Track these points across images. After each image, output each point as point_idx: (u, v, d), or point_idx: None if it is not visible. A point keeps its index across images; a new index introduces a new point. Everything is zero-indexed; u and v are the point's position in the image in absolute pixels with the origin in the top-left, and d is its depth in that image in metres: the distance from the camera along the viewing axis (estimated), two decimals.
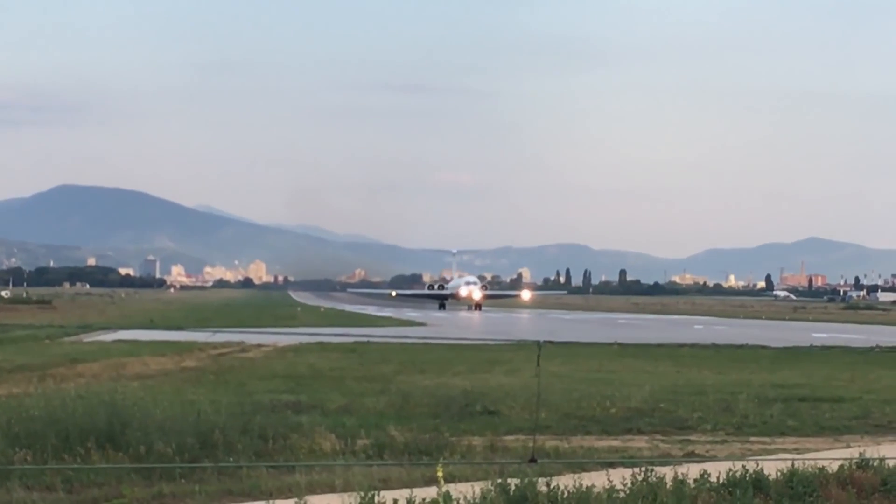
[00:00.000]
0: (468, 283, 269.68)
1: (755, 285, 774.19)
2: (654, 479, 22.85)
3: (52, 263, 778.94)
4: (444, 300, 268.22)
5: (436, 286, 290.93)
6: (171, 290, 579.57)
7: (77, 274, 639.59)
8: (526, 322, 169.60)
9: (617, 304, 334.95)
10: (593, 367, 61.67)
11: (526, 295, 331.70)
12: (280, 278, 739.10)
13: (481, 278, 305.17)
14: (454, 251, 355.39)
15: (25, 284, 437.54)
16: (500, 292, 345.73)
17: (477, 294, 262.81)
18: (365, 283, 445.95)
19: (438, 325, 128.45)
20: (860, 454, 26.02)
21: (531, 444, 30.21)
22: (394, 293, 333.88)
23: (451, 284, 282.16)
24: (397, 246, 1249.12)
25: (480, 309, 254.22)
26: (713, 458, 29.07)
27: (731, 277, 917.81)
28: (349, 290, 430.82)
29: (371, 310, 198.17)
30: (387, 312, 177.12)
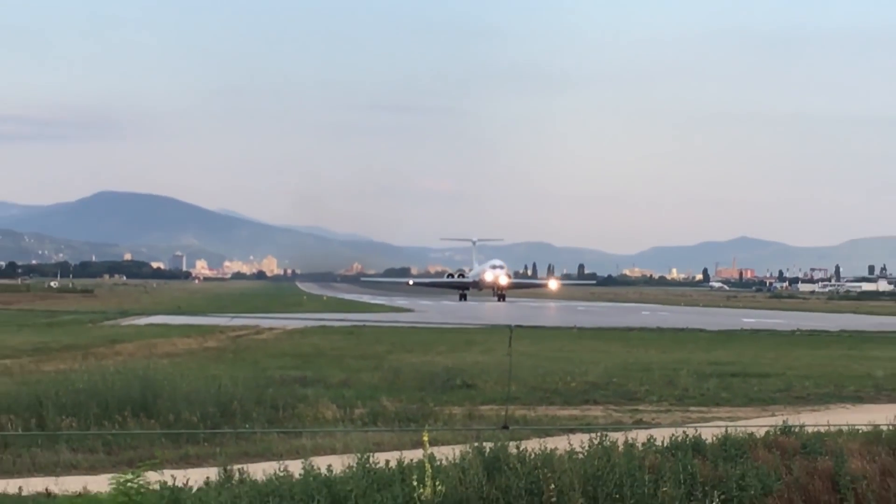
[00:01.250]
0: (494, 267, 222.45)
1: (694, 277, 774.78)
2: (608, 443, 22.84)
3: (93, 258, 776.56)
4: (465, 289, 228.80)
5: (455, 275, 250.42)
6: (196, 281, 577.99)
7: (115, 267, 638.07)
8: (502, 308, 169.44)
9: (581, 293, 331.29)
10: (556, 347, 61.78)
11: (553, 284, 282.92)
12: (289, 271, 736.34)
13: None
14: (475, 239, 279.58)
15: (71, 276, 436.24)
16: (525, 281, 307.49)
17: (503, 279, 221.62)
18: (361, 275, 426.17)
19: (424, 312, 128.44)
20: (784, 422, 26.04)
21: (503, 413, 30.27)
22: (411, 282, 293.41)
23: (472, 273, 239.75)
24: (388, 243, 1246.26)
25: (504, 299, 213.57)
26: (658, 425, 29.13)
27: (674, 271, 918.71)
28: (362, 279, 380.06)
29: (366, 298, 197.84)
30: (379, 300, 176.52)
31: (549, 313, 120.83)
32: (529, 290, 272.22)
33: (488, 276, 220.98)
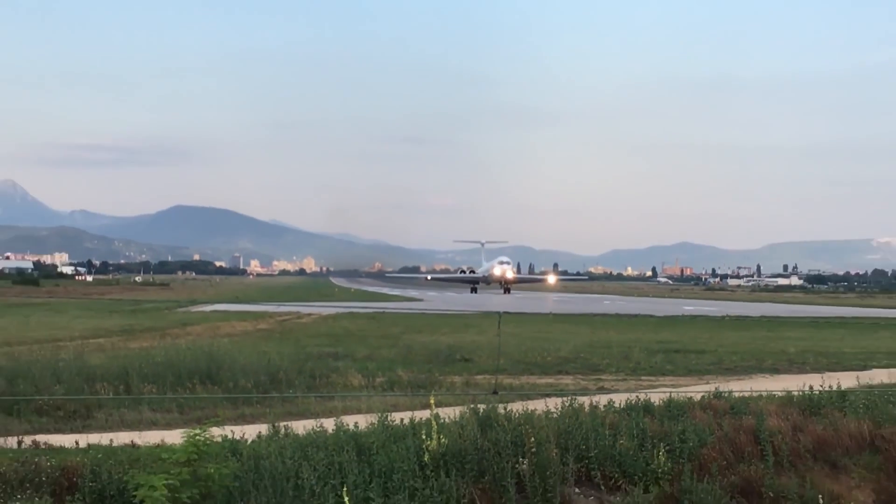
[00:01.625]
0: (502, 263, 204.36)
1: (645, 274, 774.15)
2: (577, 405, 22.90)
3: (169, 258, 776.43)
4: (475, 283, 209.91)
5: (467, 271, 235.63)
6: (250, 277, 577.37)
7: (186, 265, 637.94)
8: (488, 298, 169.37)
9: (575, 286, 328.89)
10: (536, 329, 61.76)
11: (552, 279, 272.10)
12: (323, 269, 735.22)
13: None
14: (483, 242, 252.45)
15: (151, 273, 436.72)
16: (528, 276, 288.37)
17: (510, 273, 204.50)
18: (382, 272, 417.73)
19: (431, 301, 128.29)
20: (715, 389, 26.17)
21: (493, 381, 30.28)
22: (429, 277, 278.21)
23: (482, 269, 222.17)
24: (402, 246, 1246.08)
25: (510, 292, 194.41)
26: (616, 391, 29.08)
27: (629, 269, 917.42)
28: (387, 274, 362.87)
29: (385, 290, 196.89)
30: (395, 292, 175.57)
31: (535, 303, 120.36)
32: (532, 284, 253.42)
33: (497, 271, 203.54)
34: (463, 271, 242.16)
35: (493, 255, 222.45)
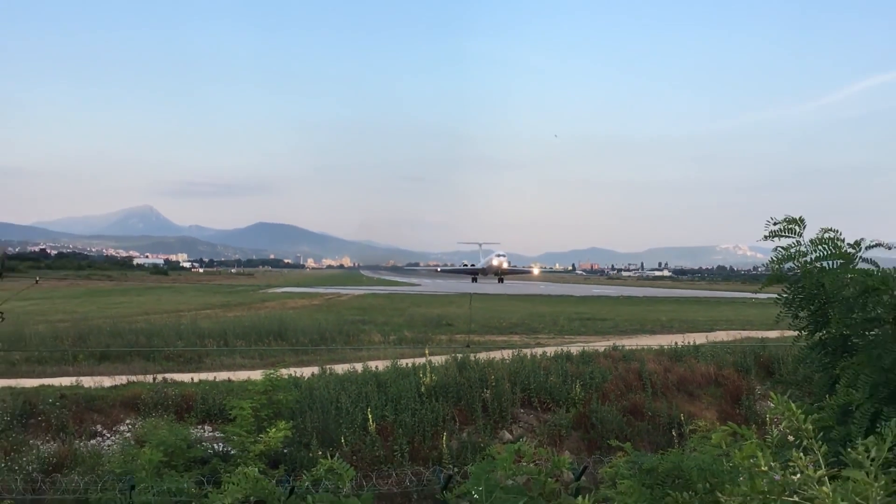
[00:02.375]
0: (498, 256, 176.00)
1: (567, 269, 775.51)
2: (522, 354, 22.94)
3: (253, 257, 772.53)
4: (476, 274, 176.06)
5: (469, 265, 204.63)
6: (307, 270, 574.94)
7: (265, 262, 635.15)
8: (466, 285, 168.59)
9: (553, 277, 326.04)
10: (496, 305, 61.73)
11: (536, 270, 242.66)
12: (356, 264, 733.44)
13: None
14: (481, 243, 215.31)
15: (242, 267, 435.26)
16: (518, 268, 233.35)
17: (505, 264, 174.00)
18: (395, 267, 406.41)
19: (427, 286, 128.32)
20: (613, 344, 26.19)
21: (467, 339, 30.25)
22: (439, 269, 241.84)
23: (482, 262, 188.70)
24: (409, 249, 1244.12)
25: (503, 281, 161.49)
26: (548, 346, 29.17)
27: (557, 265, 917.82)
28: (405, 267, 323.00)
29: (396, 278, 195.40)
30: (401, 280, 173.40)
31: (502, 287, 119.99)
32: (520, 274, 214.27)
33: (495, 262, 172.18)
34: (466, 265, 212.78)
35: (487, 253, 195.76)
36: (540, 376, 20.96)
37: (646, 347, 25.36)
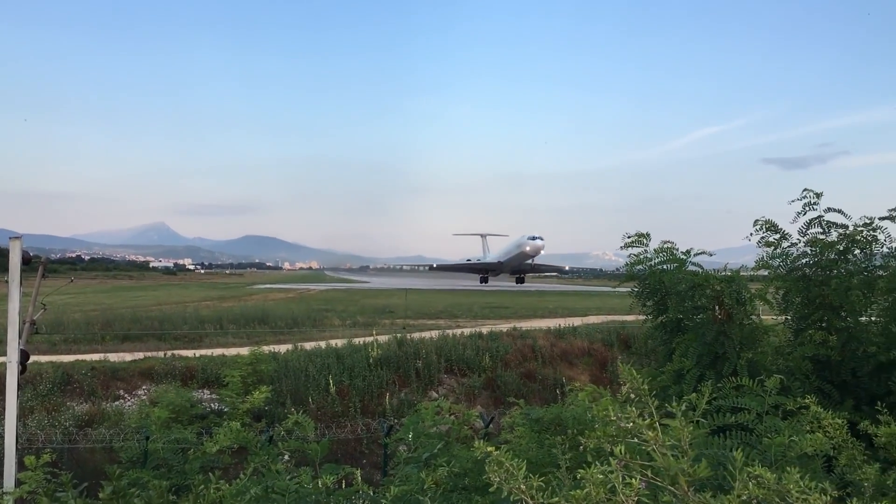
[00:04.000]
0: (532, 239, 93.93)
1: None
2: (446, 333, 23.00)
3: (243, 261, 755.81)
4: (486, 272, 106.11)
5: (475, 259, 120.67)
6: (284, 271, 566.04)
7: (253, 265, 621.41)
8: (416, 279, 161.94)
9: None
10: (426, 297, 61.44)
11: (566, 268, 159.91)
12: (322, 267, 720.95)
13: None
14: (484, 234, 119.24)
15: (234, 269, 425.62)
16: (547, 265, 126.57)
17: (542, 251, 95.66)
18: (351, 269, 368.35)
19: (376, 283, 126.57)
20: (513, 325, 26.45)
21: (404, 322, 30.18)
22: (435, 265, 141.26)
23: (496, 254, 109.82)
24: (362, 255, 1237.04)
25: (523, 280, 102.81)
26: (465, 327, 29.28)
27: None
28: (403, 265, 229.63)
29: (353, 277, 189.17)
30: (358, 277, 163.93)
31: (434, 282, 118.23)
32: (550, 275, 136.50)
33: (528, 247, 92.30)
34: (468, 260, 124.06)
35: (493, 246, 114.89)
36: (459, 350, 21.05)
37: (537, 328, 25.66)
